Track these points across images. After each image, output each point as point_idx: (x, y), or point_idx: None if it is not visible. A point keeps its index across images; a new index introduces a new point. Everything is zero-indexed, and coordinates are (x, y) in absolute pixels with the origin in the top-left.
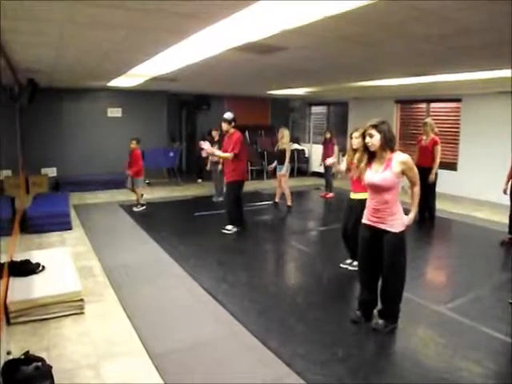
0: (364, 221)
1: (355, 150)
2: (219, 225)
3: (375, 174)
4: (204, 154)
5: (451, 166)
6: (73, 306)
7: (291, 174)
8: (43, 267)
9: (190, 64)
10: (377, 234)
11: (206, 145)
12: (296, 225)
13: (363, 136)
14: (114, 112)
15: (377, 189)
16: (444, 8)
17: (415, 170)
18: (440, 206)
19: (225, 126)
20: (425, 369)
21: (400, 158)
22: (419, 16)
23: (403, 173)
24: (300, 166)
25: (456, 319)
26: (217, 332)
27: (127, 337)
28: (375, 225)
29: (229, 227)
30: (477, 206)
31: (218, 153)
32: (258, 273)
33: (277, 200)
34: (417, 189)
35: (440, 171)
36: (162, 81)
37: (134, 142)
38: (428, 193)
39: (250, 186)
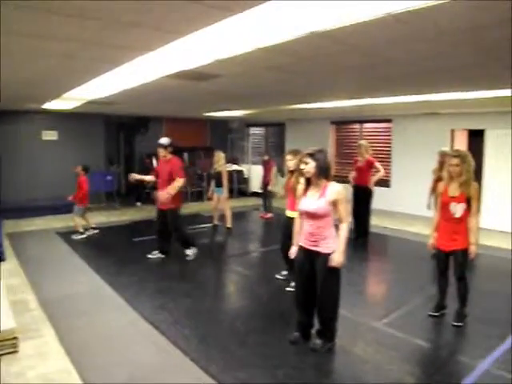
0: (300, 243)
1: (292, 172)
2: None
3: (310, 201)
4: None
5: (385, 182)
6: (6, 344)
7: (231, 195)
8: None
9: (126, 89)
10: (311, 256)
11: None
12: (236, 247)
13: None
14: (49, 135)
15: (311, 216)
16: (368, 41)
17: (346, 205)
18: (375, 221)
19: (162, 151)
20: None
21: (335, 188)
22: (346, 49)
23: (334, 204)
24: (239, 186)
25: (391, 334)
26: (158, 363)
27: (66, 374)
28: (310, 247)
29: (188, 251)
30: (410, 220)
31: (173, 189)
32: (198, 299)
33: (216, 222)
34: (344, 226)
35: (374, 188)
36: (98, 104)
37: (79, 168)
38: (363, 209)
39: (189, 208)
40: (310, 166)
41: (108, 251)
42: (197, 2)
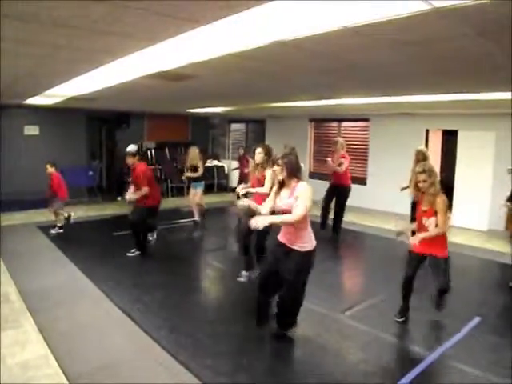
0: (279, 237)
1: (258, 165)
2: None
3: (282, 200)
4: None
5: (361, 180)
6: None
7: (212, 190)
8: None
9: (106, 87)
10: (287, 251)
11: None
12: (213, 242)
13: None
14: (31, 130)
15: (284, 214)
16: (329, 49)
17: (303, 203)
18: (350, 218)
19: (130, 159)
20: (321, 372)
21: (300, 187)
22: (308, 55)
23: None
24: (220, 182)
25: (352, 325)
26: (131, 350)
27: (44, 360)
28: (287, 243)
29: (132, 250)
30: (384, 217)
31: (138, 194)
32: (172, 291)
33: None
34: (291, 215)
35: (351, 185)
36: (79, 100)
37: (49, 165)
38: (338, 206)
39: (170, 203)
40: (280, 168)
41: (88, 245)
42: (166, 15)
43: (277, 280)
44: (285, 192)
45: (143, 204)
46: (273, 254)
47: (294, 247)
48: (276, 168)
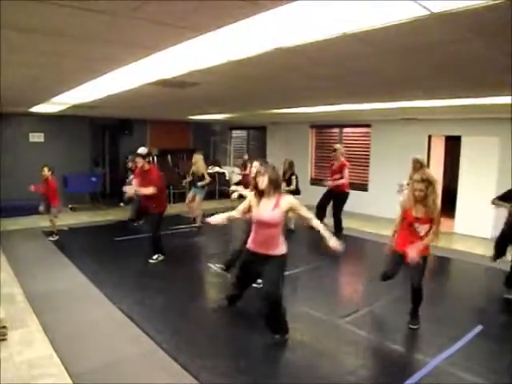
0: (251, 248)
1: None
2: (138, 249)
3: (264, 211)
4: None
5: (362, 186)
6: None
7: (213, 197)
8: None
9: (110, 94)
10: (260, 258)
11: (128, 189)
12: (215, 247)
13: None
14: (36, 137)
15: (264, 225)
16: (331, 55)
17: (303, 208)
18: (351, 224)
19: (140, 161)
20: (318, 375)
21: (288, 199)
22: (310, 62)
23: (292, 211)
24: (221, 188)
25: (352, 331)
26: (132, 351)
27: (48, 359)
28: (261, 252)
29: (155, 256)
30: (386, 223)
31: (142, 191)
32: (174, 295)
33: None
34: (315, 221)
35: (352, 192)
36: (83, 108)
37: (46, 168)
38: (336, 210)
39: (172, 209)
40: (264, 179)
41: (91, 250)
42: (166, 24)
43: (250, 278)
44: (265, 203)
45: (156, 210)
46: (246, 266)
47: (271, 253)
48: (259, 178)
